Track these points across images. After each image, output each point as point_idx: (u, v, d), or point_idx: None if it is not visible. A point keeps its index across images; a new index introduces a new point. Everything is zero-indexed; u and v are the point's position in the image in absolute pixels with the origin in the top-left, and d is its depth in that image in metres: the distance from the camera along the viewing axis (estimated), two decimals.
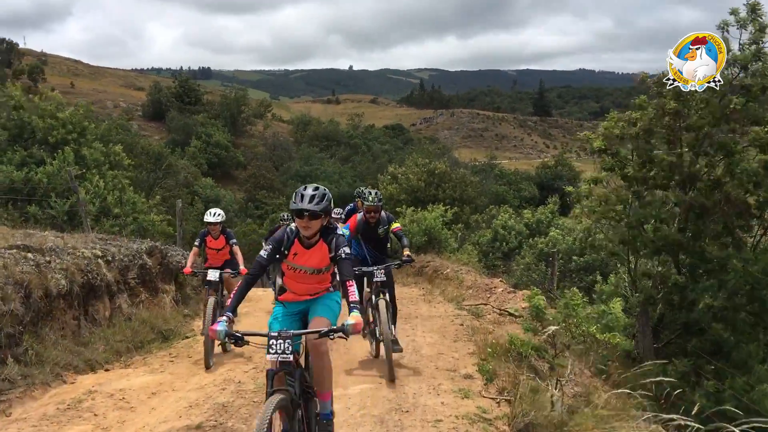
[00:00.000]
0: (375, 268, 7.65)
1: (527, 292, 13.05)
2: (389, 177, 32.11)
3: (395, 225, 8.16)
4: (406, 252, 7.93)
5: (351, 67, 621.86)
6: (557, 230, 22.21)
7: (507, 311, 11.24)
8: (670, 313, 10.07)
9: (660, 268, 10.47)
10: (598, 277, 15.30)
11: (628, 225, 9.39)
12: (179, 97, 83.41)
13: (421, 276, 16.84)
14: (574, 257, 20.05)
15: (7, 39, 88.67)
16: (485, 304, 11.99)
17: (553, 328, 6.53)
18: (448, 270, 15.39)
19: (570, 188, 11.67)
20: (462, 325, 10.14)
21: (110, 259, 10.08)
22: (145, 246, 11.79)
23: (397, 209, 23.63)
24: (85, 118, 15.81)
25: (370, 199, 7.83)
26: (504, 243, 23.67)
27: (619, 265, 13.91)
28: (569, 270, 19.86)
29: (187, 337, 10.06)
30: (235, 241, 9.26)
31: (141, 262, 11.30)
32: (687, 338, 9.91)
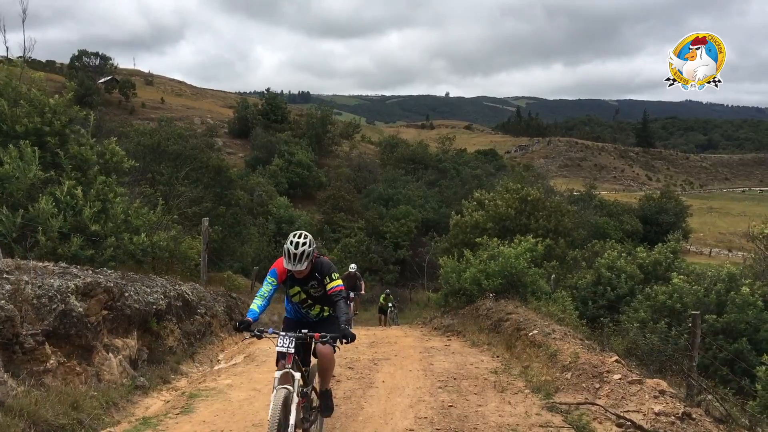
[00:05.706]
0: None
1: (660, 382, 8.36)
2: (474, 203, 27.84)
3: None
4: None
5: (447, 93, 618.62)
6: (681, 276, 16.98)
7: (634, 423, 6.66)
8: None
9: None
10: (764, 357, 10.28)
11: None
12: (265, 115, 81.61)
13: (498, 333, 12.30)
14: (708, 315, 14.94)
15: (100, 53, 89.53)
16: (592, 404, 7.43)
17: None
18: (536, 331, 10.81)
19: None
20: None
21: None
22: (77, 282, 7.90)
23: (477, 240, 19.20)
24: (70, 106, 12.17)
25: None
26: (610, 289, 18.66)
27: None
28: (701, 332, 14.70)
29: None
30: None
31: (63, 308, 7.43)
32: None
